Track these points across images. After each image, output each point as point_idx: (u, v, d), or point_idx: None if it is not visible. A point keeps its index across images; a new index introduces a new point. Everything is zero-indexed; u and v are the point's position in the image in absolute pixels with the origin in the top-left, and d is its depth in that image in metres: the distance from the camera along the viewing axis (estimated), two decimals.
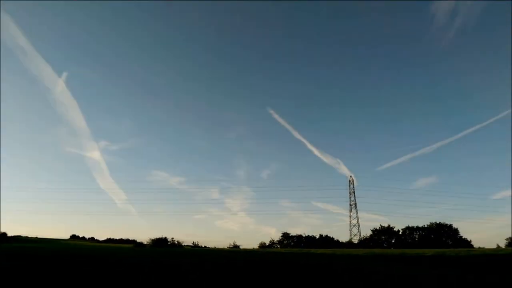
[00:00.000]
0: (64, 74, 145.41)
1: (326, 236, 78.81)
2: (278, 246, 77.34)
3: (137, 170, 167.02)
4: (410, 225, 76.93)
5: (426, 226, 75.83)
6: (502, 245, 60.97)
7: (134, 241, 73.24)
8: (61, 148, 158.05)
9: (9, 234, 79.04)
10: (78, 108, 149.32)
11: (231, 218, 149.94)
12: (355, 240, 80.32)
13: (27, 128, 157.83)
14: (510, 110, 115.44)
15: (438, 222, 74.77)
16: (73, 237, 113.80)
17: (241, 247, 63.69)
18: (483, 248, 47.45)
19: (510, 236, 65.18)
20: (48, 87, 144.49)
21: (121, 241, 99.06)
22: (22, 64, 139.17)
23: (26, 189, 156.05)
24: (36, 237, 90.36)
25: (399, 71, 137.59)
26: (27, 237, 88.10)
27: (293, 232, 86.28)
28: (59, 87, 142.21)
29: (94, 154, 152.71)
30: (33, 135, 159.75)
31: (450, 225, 74.24)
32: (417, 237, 74.95)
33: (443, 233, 73.82)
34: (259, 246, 75.50)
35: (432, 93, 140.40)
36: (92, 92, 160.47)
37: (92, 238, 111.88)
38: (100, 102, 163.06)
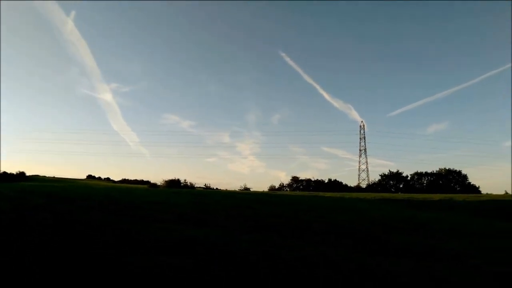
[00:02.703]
0: (73, 13, 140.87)
1: (335, 180, 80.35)
2: (288, 189, 79.35)
3: (149, 113, 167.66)
4: (419, 171, 77.44)
5: (435, 172, 76.24)
6: (510, 192, 61.40)
7: (148, 182, 75.85)
8: (73, 89, 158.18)
9: (27, 173, 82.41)
10: (88, 48, 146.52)
11: (242, 162, 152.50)
12: (363, 184, 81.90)
13: (38, 69, 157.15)
14: None
15: (447, 168, 75.07)
16: (89, 177, 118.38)
17: (251, 190, 65.75)
18: (491, 194, 47.97)
19: None
20: (57, 27, 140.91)
21: (135, 182, 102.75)
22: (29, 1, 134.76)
23: (41, 130, 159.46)
24: (54, 177, 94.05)
25: (413, 11, 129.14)
26: (44, 176, 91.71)
27: (302, 176, 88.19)
28: (68, 26, 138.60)
29: (106, 96, 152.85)
30: (45, 76, 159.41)
31: (459, 171, 74.51)
32: (425, 182, 75.79)
33: (451, 179, 74.42)
34: (269, 189, 77.72)
35: (445, 43, 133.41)
36: (100, 33, 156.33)
37: (108, 179, 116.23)
38: (110, 43, 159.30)
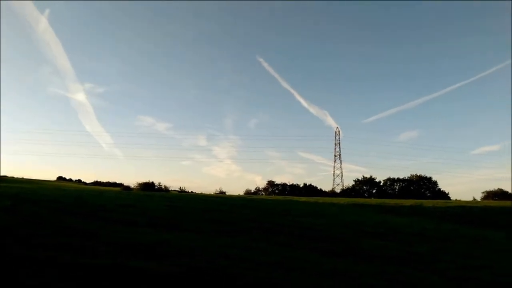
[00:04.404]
0: (47, 12, 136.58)
1: (310, 185, 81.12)
2: (263, 193, 79.54)
3: (124, 114, 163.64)
4: (391, 177, 79.44)
5: (406, 178, 78.46)
6: (478, 198, 64.02)
7: (121, 185, 73.91)
8: (45, 88, 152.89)
9: None
10: (62, 47, 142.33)
11: (217, 165, 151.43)
12: (338, 189, 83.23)
13: (9, 67, 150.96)
14: (493, 69, 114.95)
15: (418, 174, 77.47)
16: (60, 178, 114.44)
17: (227, 193, 65.50)
18: (459, 200, 49.75)
19: (486, 190, 68.10)
20: (31, 25, 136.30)
21: (108, 184, 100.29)
22: None
23: (10, 129, 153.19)
24: (23, 178, 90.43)
25: (394, 14, 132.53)
26: (13, 177, 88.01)
27: (278, 180, 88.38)
28: (42, 24, 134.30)
29: (79, 96, 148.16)
30: (17, 75, 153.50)
31: (430, 178, 77.01)
32: (397, 188, 77.92)
33: (422, 185, 76.82)
34: (244, 193, 77.67)
35: (419, 51, 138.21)
36: (76, 32, 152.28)
37: (79, 181, 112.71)
38: (85, 43, 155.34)
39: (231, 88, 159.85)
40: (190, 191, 71.00)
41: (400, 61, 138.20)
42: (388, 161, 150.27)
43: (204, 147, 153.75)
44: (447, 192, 74.85)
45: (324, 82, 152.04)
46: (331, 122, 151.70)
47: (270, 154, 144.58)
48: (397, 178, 78.28)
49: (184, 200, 19.97)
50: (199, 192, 70.98)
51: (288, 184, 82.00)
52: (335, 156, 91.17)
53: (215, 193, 66.19)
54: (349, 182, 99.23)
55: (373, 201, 37.70)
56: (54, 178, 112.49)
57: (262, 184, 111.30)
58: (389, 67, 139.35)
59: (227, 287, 4.31)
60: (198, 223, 10.39)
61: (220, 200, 23.55)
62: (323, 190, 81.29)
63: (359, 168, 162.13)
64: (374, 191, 77.62)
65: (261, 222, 11.90)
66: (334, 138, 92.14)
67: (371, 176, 78.68)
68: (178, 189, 64.52)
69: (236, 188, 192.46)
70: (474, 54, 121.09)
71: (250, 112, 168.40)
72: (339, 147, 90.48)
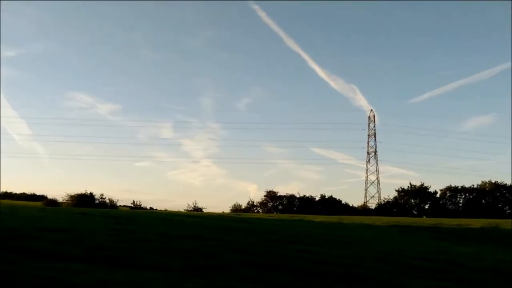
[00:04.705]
0: None
1: (330, 197, 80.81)
2: (260, 211, 79.23)
3: (46, 90, 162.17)
4: (452, 185, 79.22)
5: (475, 186, 78.31)
6: None
7: (43, 197, 73.50)
8: None
9: None
10: None
11: (190, 168, 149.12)
12: (372, 204, 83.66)
13: None
14: None
15: (493, 181, 77.26)
16: None
17: (205, 210, 65.22)
18: None
19: None
20: None
21: (24, 196, 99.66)
22: None
23: None
24: None
25: None
26: None
27: (282, 190, 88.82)
28: None
29: None
30: None
31: (511, 186, 76.37)
32: (461, 202, 77.92)
33: (499, 197, 76.64)
34: (231, 210, 77.32)
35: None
36: None
37: None
38: None
39: (210, 50, 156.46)
40: (148, 207, 70.77)
41: (467, 10, 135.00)
42: (448, 161, 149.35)
43: (170, 140, 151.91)
44: None
45: (351, 42, 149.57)
46: (362, 102, 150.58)
47: (269, 150, 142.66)
48: (462, 187, 78.26)
49: (140, 221, 19.97)
50: (162, 209, 70.84)
51: (297, 196, 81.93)
52: (368, 153, 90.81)
53: (187, 210, 65.91)
54: (389, 193, 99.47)
55: (426, 221, 37.86)
56: None
57: (258, 196, 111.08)
58: (451, 20, 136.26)
59: None
60: (160, 256, 10.38)
61: (194, 220, 23.62)
62: (350, 205, 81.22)
63: (404, 171, 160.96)
64: (427, 206, 77.92)
65: (254, 253, 11.92)
66: (367, 127, 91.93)
67: (422, 184, 78.75)
68: (130, 204, 64.47)
69: (218, 202, 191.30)
70: None
71: (239, 87, 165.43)
72: (375, 140, 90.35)
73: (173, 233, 15.83)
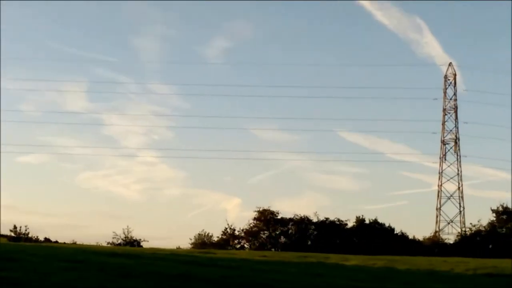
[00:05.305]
0: None
1: (375, 222, 57.13)
2: (246, 246, 57.00)
3: None
4: None
5: None
6: None
7: None
8: None
9: None
10: None
11: (120, 167, 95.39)
12: (450, 236, 60.38)
13: None
14: None
15: None
16: None
17: (144, 244, 47.69)
18: None
19: None
20: None
21: None
22: None
23: None
24: None
25: None
26: None
27: (287, 210, 68.47)
28: None
29: None
30: None
31: None
32: None
33: None
34: (194, 244, 54.47)
35: None
36: None
37: None
38: None
39: None
40: (40, 238, 49.20)
41: None
42: None
43: (82, 115, 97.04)
44: None
45: None
46: (433, 49, 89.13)
47: (264, 136, 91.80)
48: None
49: (22, 262, 14.23)
50: (68, 242, 48.05)
51: (315, 220, 57.16)
52: (443, 143, 62.01)
53: (112, 243, 49.15)
54: (480, 214, 63.74)
55: None
56: None
57: (242, 218, 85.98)
58: None
59: None
60: None
61: (124, 263, 17.44)
62: (411, 236, 57.67)
63: (507, 176, 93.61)
64: None
65: None
66: (441, 94, 62.14)
67: None
68: (10, 233, 45.28)
69: (171, 229, 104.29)
70: None
71: (207, 20, 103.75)
72: (456, 119, 60.99)
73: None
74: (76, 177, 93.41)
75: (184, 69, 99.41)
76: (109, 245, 47.20)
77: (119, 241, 48.47)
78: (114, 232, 50.27)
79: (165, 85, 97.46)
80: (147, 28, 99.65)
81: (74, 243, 44.02)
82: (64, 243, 43.36)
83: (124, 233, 49.31)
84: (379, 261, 29.67)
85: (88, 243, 42.26)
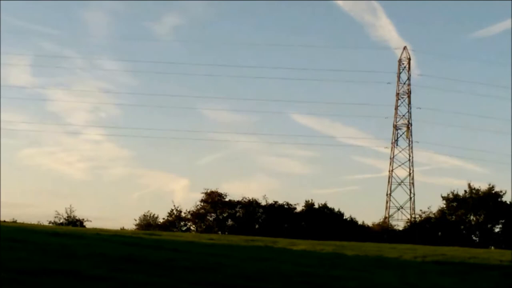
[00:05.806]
0: None
1: (324, 207, 58.29)
2: (192, 228, 57.57)
3: None
4: None
5: None
6: None
7: None
8: None
9: None
10: None
11: (64, 144, 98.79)
12: (400, 222, 61.51)
13: None
14: None
15: None
16: None
17: (87, 224, 48.14)
18: None
19: None
20: None
21: None
22: None
23: None
24: None
25: None
26: None
27: (235, 192, 73.20)
28: None
29: None
30: None
31: None
32: None
33: None
34: (139, 225, 55.56)
35: None
36: None
37: None
38: None
39: None
40: None
41: None
42: None
43: (26, 90, 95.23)
44: None
45: None
46: (387, 32, 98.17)
47: (214, 117, 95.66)
48: None
49: None
50: (8, 220, 46.61)
51: (263, 203, 57.81)
52: (396, 128, 62.93)
53: (54, 222, 48.34)
54: (430, 201, 75.61)
55: (495, 254, 29.62)
56: None
57: (189, 200, 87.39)
58: None
59: None
60: None
61: (65, 243, 17.78)
62: (360, 222, 59.34)
63: (458, 163, 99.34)
64: (498, 227, 57.76)
65: None
66: (395, 78, 62.96)
67: (491, 187, 58.31)
68: None
69: (115, 210, 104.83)
70: None
71: None
72: (409, 104, 61.90)
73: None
74: (18, 154, 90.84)
75: (133, 45, 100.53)
76: (50, 224, 46.69)
77: (61, 221, 47.94)
78: (56, 211, 50.30)
79: (113, 61, 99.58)
80: (96, 1, 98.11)
81: (14, 222, 43.29)
82: (4, 221, 41.83)
83: (66, 212, 48.94)
84: (327, 246, 30.12)
85: (29, 222, 41.76)
